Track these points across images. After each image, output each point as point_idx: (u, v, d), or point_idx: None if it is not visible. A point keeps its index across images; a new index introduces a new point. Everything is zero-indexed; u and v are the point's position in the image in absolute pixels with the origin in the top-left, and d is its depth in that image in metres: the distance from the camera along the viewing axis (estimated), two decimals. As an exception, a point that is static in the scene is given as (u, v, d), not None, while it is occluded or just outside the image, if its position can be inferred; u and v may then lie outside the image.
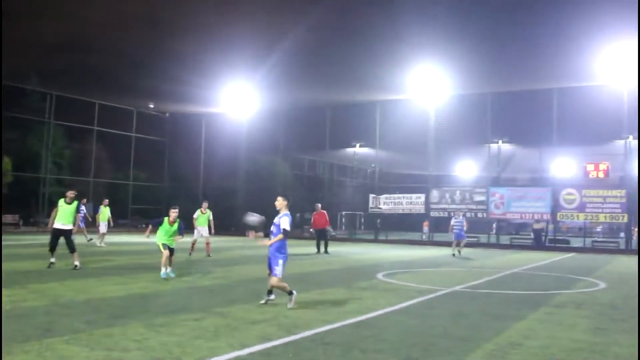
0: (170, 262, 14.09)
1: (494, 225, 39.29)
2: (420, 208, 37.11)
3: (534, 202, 33.64)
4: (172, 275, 13.92)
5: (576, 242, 35.18)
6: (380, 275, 15.89)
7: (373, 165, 42.26)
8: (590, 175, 33.07)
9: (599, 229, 34.57)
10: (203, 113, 45.39)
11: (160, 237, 14.06)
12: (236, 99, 40.09)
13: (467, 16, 25.81)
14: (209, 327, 8.19)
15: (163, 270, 13.80)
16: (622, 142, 36.94)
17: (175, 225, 14.16)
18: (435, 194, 36.55)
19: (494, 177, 37.99)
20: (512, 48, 29.15)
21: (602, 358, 7.04)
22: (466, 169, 44.54)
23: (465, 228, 26.72)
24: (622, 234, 37.00)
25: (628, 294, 13.24)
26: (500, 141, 42.40)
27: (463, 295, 12.45)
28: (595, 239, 37.07)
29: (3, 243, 21.93)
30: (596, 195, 32.21)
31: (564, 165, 35.24)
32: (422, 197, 36.88)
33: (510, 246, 34.11)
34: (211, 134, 45.84)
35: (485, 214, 34.69)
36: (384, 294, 12.30)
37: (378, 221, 40.67)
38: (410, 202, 37.37)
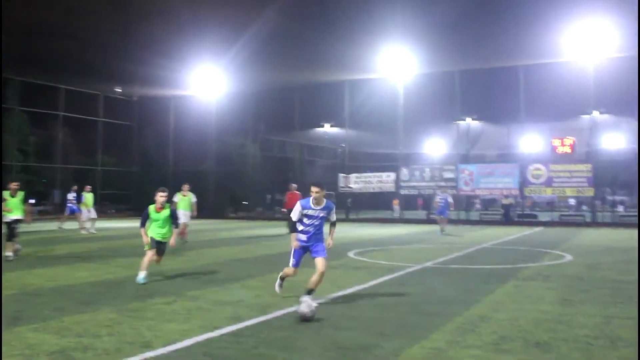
0: (157, 261, 11.44)
1: (477, 201, 39.46)
2: (390, 186, 37.31)
3: (503, 178, 34.04)
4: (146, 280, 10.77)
5: (544, 217, 35.73)
6: (351, 254, 16.00)
7: (343, 145, 42.31)
8: (557, 151, 33.53)
9: (572, 202, 35.15)
10: (171, 96, 44.95)
11: (151, 229, 11.24)
12: (205, 82, 39.80)
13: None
14: (180, 310, 8.19)
15: (142, 274, 10.75)
16: (587, 117, 37.48)
17: (166, 212, 11.25)
18: (405, 172, 36.75)
19: (463, 154, 38.34)
20: (479, 25, 29.28)
21: (568, 328, 7.19)
22: (435, 146, 44.88)
23: (451, 208, 27.04)
24: (584, 207, 37.60)
25: (593, 266, 13.51)
26: (468, 118, 42.76)
27: (433, 271, 12.60)
28: (563, 213, 37.67)
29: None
30: (563, 170, 32.69)
31: (531, 141, 35.70)
32: (392, 175, 37.07)
33: (480, 222, 34.54)
34: (180, 117, 45.46)
35: (455, 191, 35.02)
36: (355, 272, 12.39)
37: (349, 200, 40.84)
38: (380, 181, 37.55)
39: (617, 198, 40.51)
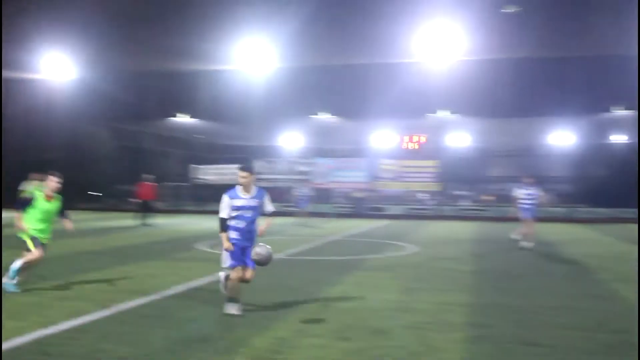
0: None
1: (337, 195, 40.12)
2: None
3: (355, 172, 35.08)
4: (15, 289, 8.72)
5: (394, 210, 37.10)
6: (200, 246, 15.83)
7: (198, 136, 41.73)
8: (406, 147, 35.03)
9: (426, 196, 36.79)
10: (12, 79, 42.07)
11: (32, 222, 8.89)
12: (53, 65, 37.58)
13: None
14: (16, 306, 7.72)
15: (9, 281, 8.72)
16: (435, 115, 39.50)
17: (56, 203, 9.00)
18: (260, 164, 36.85)
19: (318, 148, 39.06)
20: (335, 22, 29.82)
21: (406, 314, 7.56)
22: (291, 140, 45.32)
23: (311, 202, 27.66)
24: (432, 201, 39.45)
25: (433, 256, 14.24)
26: (324, 113, 43.65)
27: (283, 263, 12.72)
28: (410, 206, 39.36)
29: None
30: (411, 165, 34.21)
31: (383, 138, 36.99)
32: (247, 167, 36.94)
33: (332, 214, 35.30)
34: (27, 103, 42.65)
35: (310, 184, 35.55)
36: (204, 264, 12.26)
37: (202, 192, 40.36)
38: (234, 173, 37.32)
39: (461, 193, 42.89)
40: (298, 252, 14.96)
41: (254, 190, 7.76)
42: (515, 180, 46.11)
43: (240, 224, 7.54)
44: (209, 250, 14.85)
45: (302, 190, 27.51)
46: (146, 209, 25.33)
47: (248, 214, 7.56)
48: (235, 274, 7.43)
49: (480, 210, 34.55)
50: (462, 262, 13.17)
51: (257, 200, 7.67)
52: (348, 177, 35.19)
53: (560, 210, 33.54)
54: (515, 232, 16.88)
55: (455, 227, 26.42)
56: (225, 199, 7.60)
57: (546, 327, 6.91)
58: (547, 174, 39.43)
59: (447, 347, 6.03)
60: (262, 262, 7.38)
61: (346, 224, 27.65)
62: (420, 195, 37.20)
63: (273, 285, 9.56)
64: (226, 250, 7.54)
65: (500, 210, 32.44)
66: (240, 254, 7.50)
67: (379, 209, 37.36)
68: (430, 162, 34.40)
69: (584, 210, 34.20)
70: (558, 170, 39.27)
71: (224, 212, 7.55)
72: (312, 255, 14.27)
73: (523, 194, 16.41)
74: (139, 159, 41.93)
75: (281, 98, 36.59)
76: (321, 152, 38.10)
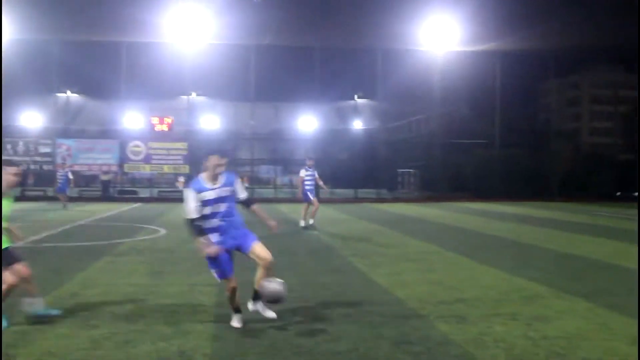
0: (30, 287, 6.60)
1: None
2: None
3: (102, 154, 33.82)
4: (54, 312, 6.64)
5: (144, 193, 36.46)
6: None
7: None
8: (156, 129, 34.58)
9: (181, 178, 36.43)
10: None
11: None
12: None
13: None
14: None
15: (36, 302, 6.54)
16: (185, 98, 39.47)
17: (9, 202, 6.63)
18: (-4, 145, 33.88)
19: (62, 128, 36.94)
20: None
21: (156, 298, 7.65)
22: (31, 119, 42.10)
23: (71, 185, 26.53)
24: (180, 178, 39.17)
25: (184, 239, 14.37)
26: (68, 91, 41.33)
27: (27, 252, 11.98)
28: (161, 189, 38.91)
29: None
30: (161, 147, 33.90)
31: (132, 119, 36.04)
32: (-19, 148, 33.80)
33: (80, 198, 33.66)
34: None
35: (52, 167, 33.52)
36: None
37: None
38: (-35, 154, 33.99)
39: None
40: (40, 239, 14.15)
41: (222, 177, 6.25)
42: (264, 162, 48.19)
43: (218, 222, 6.21)
44: None
45: (62, 173, 26.30)
46: None
47: (223, 206, 6.21)
48: (229, 286, 6.24)
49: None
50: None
51: (228, 188, 6.27)
52: (95, 159, 33.75)
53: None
54: (302, 220, 17.35)
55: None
56: (190, 194, 6.13)
57: (291, 301, 7.43)
58: (293, 157, 41.59)
59: (195, 329, 6.23)
60: (278, 299, 6.27)
61: (94, 208, 26.59)
62: (182, 178, 36.74)
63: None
64: (210, 256, 6.15)
65: (253, 192, 33.58)
66: (229, 257, 6.27)
67: (129, 192, 36.49)
68: (179, 144, 34.37)
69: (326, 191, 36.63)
70: (303, 154, 41.55)
71: (193, 211, 6.12)
72: (56, 242, 13.62)
73: (306, 175, 17.17)
74: None
75: (21, 73, 33.90)
76: (66, 133, 36.00)
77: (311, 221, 17.15)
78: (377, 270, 9.87)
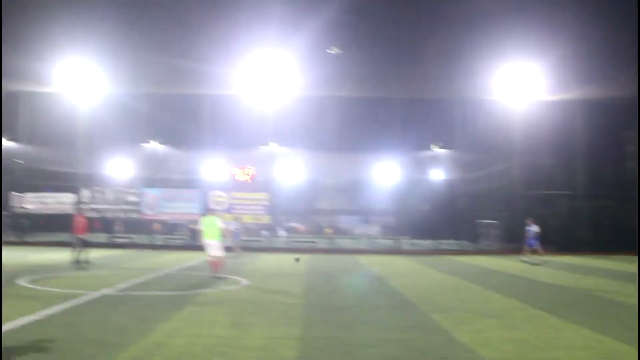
0: None
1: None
2: (69, 208, 35.54)
3: (186, 203, 34.71)
4: None
5: (226, 242, 36.75)
6: (22, 281, 14.92)
7: (17, 161, 39.19)
8: (237, 179, 35.33)
9: (264, 233, 37.03)
10: None
11: None
12: None
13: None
14: None
15: None
16: (266, 148, 40.23)
17: None
18: (86, 193, 35.37)
19: (147, 177, 38.21)
20: (163, 49, 29.68)
21: (237, 350, 7.70)
22: (119, 168, 43.86)
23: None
24: (265, 233, 39.85)
25: (266, 290, 14.50)
26: (154, 142, 42.87)
27: (111, 299, 12.37)
28: (244, 238, 39.29)
29: None
30: (242, 197, 34.52)
31: (213, 169, 36.97)
32: (71, 196, 35.36)
33: (165, 247, 34.48)
34: None
35: (138, 215, 34.69)
36: (25, 301, 11.62)
37: (24, 222, 37.86)
38: (58, 202, 35.58)
39: (294, 224, 43.71)
40: (128, 287, 14.53)
41: None
42: (345, 212, 48.28)
43: None
44: (33, 286, 14.04)
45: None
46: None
47: None
48: None
49: (312, 242, 35.35)
50: (291, 295, 13.49)
51: None
52: (179, 208, 34.73)
53: (386, 242, 35.35)
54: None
55: (287, 259, 26.79)
56: None
57: (374, 359, 7.35)
58: (373, 207, 41.47)
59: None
60: None
61: (179, 256, 27.16)
62: (264, 232, 37.25)
63: (101, 323, 9.30)
64: None
65: (333, 242, 33.62)
66: None
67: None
68: (260, 195, 34.95)
69: (406, 242, 36.28)
70: (383, 204, 41.44)
71: None
72: (142, 291, 13.96)
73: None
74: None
75: (110, 124, 35.51)
76: (151, 182, 37.23)
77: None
78: (459, 327, 9.65)
